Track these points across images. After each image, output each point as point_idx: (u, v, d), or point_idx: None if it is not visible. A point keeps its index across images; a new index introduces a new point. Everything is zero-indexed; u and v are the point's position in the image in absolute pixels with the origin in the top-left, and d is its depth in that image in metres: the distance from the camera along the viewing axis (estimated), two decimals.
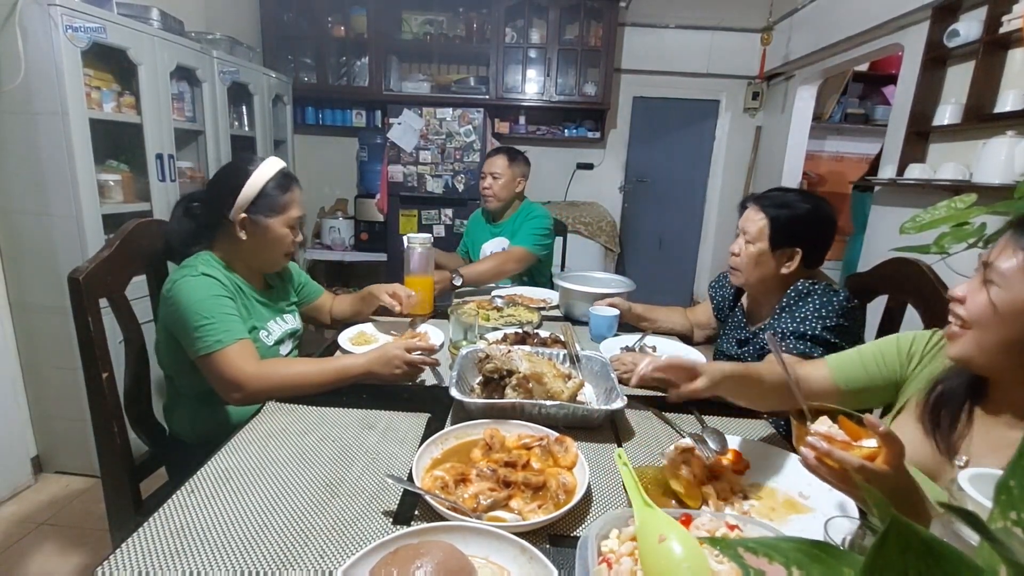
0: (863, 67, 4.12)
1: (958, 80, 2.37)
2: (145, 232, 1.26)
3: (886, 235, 2.68)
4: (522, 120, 4.15)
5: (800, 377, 0.95)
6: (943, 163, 2.33)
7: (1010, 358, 0.72)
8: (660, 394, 1.21)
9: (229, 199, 1.18)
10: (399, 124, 3.36)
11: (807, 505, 0.81)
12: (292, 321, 1.39)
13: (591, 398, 1.14)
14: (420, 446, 0.88)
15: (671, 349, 1.48)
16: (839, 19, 3.19)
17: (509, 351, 1.12)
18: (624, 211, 4.60)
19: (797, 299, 1.24)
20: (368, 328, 1.52)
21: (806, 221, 1.26)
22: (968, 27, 2.21)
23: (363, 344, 1.41)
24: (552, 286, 2.13)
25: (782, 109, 4.06)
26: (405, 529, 0.70)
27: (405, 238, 1.70)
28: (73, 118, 1.79)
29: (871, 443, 0.65)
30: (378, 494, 0.81)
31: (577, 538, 0.71)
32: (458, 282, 1.95)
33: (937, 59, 2.43)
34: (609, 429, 1.04)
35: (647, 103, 4.43)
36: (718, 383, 0.87)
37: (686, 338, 1.64)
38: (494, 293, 1.97)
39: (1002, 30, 2.05)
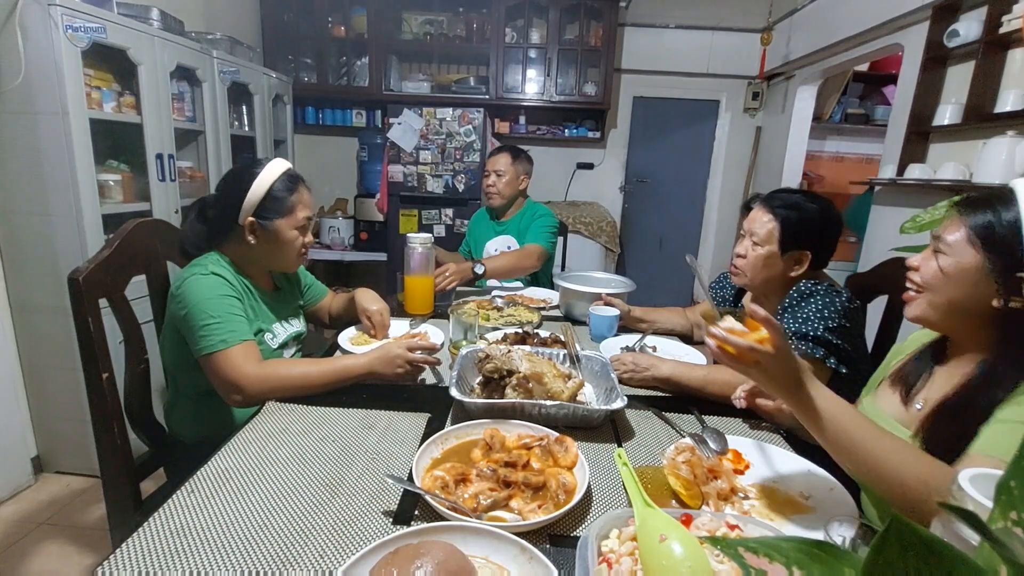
0: (863, 67, 4.12)
1: (958, 80, 2.37)
2: (145, 232, 1.26)
3: (886, 235, 2.68)
4: (522, 120, 4.15)
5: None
6: (943, 163, 2.33)
7: (958, 316, 0.83)
8: (660, 394, 1.22)
9: (236, 203, 1.19)
10: (399, 124, 3.37)
11: (808, 505, 0.81)
12: (297, 324, 1.39)
13: (591, 398, 1.14)
14: (420, 446, 0.88)
15: (671, 349, 1.48)
16: (839, 19, 3.19)
17: (509, 351, 1.12)
18: (624, 211, 4.60)
19: (799, 299, 1.24)
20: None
21: (816, 223, 1.25)
22: (968, 27, 2.21)
23: (363, 344, 1.41)
24: (553, 286, 2.13)
25: (782, 109, 4.06)
26: (405, 529, 0.70)
27: (409, 237, 1.70)
28: (73, 118, 1.80)
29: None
30: (378, 494, 0.81)
31: (577, 538, 0.71)
32: (480, 270, 1.96)
33: (937, 59, 2.43)
34: (609, 429, 1.04)
35: (647, 103, 4.43)
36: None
37: (686, 338, 1.64)
38: (494, 293, 1.97)
39: (1002, 30, 2.05)
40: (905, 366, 0.97)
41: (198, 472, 0.84)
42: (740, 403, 0.99)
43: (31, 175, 1.83)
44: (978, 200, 0.81)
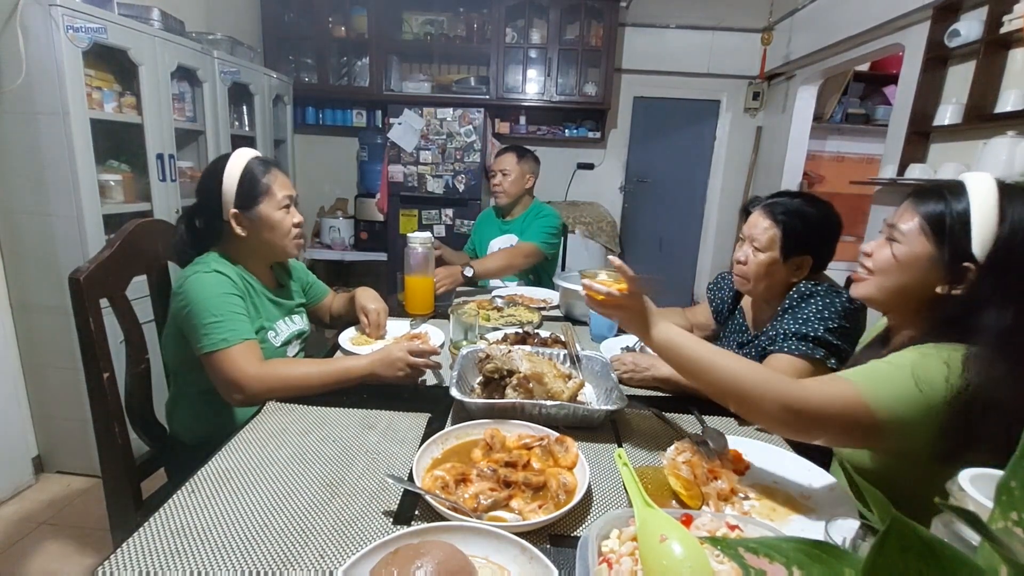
0: (864, 67, 4.12)
1: (959, 80, 2.37)
2: (146, 232, 1.26)
3: None
4: (522, 120, 4.14)
5: None
6: (944, 163, 2.33)
7: (903, 300, 0.88)
8: (660, 394, 1.22)
9: (216, 202, 1.19)
10: (399, 124, 3.37)
11: (808, 505, 0.81)
12: (300, 322, 1.39)
13: (591, 398, 1.14)
14: (420, 446, 0.88)
15: None
16: (840, 19, 3.19)
17: (509, 351, 1.12)
18: (624, 211, 4.60)
19: (800, 300, 1.24)
20: None
21: (818, 228, 1.24)
22: (969, 27, 2.21)
23: (363, 345, 1.41)
24: (553, 286, 2.14)
25: (783, 109, 4.06)
26: (405, 529, 0.70)
27: (409, 237, 1.70)
28: (74, 118, 1.80)
29: None
30: (378, 494, 0.81)
31: (577, 538, 0.71)
32: (469, 273, 1.97)
33: (938, 59, 2.43)
34: (609, 429, 1.04)
35: (647, 103, 4.42)
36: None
37: None
38: (494, 293, 1.97)
39: (1003, 30, 2.05)
40: (860, 353, 1.01)
41: (199, 472, 0.84)
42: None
43: (32, 175, 1.83)
44: (931, 191, 0.85)
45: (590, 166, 4.40)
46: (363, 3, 3.73)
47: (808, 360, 1.14)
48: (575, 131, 4.18)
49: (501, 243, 2.32)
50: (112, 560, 0.65)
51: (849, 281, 1.02)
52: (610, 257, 0.95)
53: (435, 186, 3.45)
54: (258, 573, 0.65)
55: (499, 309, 1.73)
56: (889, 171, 2.64)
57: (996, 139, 2.08)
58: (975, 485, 0.54)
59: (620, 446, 0.98)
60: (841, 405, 0.77)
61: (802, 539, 0.37)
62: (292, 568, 0.66)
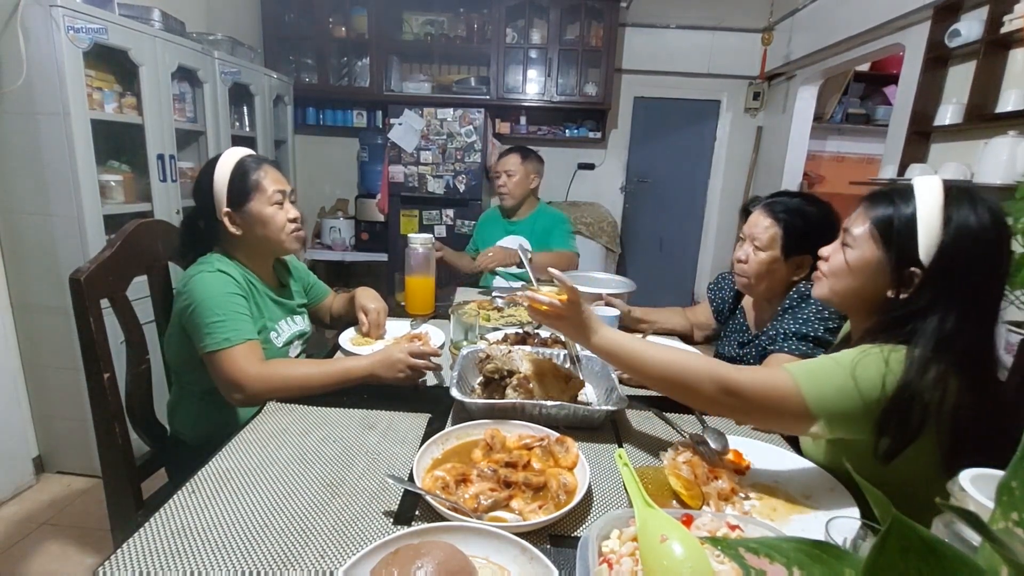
0: (864, 67, 4.12)
1: (959, 80, 2.37)
2: (146, 233, 1.26)
3: None
4: (523, 120, 4.15)
5: None
6: (944, 163, 2.33)
7: (857, 303, 0.90)
8: (661, 394, 1.21)
9: (210, 203, 1.20)
10: (400, 124, 3.37)
11: (808, 505, 0.81)
12: (302, 323, 1.40)
13: (592, 398, 1.14)
14: (421, 446, 0.88)
15: None
16: (840, 19, 3.19)
17: (510, 351, 1.12)
18: (625, 211, 4.60)
19: (800, 300, 1.24)
20: None
21: (818, 227, 1.24)
22: (969, 27, 2.21)
23: (364, 345, 1.41)
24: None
25: (783, 109, 4.06)
26: (406, 529, 0.70)
27: (410, 237, 1.72)
28: (75, 119, 1.80)
29: None
30: (379, 494, 0.81)
31: (578, 538, 0.71)
32: (528, 257, 2.01)
33: (938, 59, 2.43)
34: (610, 429, 1.04)
35: (648, 103, 4.42)
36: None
37: (686, 338, 1.64)
38: (495, 294, 1.97)
39: (1003, 30, 2.05)
40: (830, 351, 1.02)
41: (199, 472, 0.84)
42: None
43: (32, 176, 1.84)
44: (882, 195, 0.85)
45: (591, 166, 4.40)
46: (363, 3, 3.73)
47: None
48: (575, 131, 4.18)
49: (507, 244, 2.32)
50: (113, 560, 0.65)
51: None
52: (550, 269, 0.97)
53: (436, 186, 3.45)
54: (258, 573, 0.65)
55: (499, 309, 1.73)
56: (889, 171, 2.64)
57: (997, 139, 2.07)
58: (976, 485, 0.54)
59: (620, 446, 0.98)
60: (777, 394, 0.80)
61: (803, 539, 0.37)
62: (292, 568, 0.66)
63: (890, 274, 0.82)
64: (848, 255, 0.87)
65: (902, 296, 0.82)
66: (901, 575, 0.30)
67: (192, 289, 1.12)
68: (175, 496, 0.78)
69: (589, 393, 1.15)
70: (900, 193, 0.82)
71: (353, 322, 1.50)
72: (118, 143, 2.14)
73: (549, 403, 1.00)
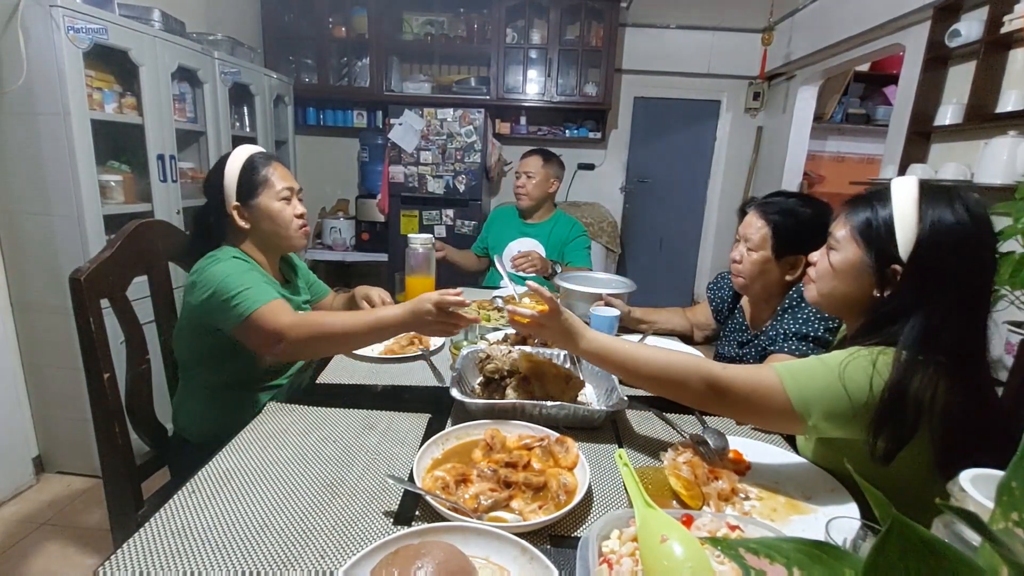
0: (864, 67, 4.12)
1: (959, 80, 2.37)
2: (146, 233, 1.26)
3: None
4: (523, 120, 4.15)
5: None
6: (944, 163, 2.33)
7: (846, 305, 0.92)
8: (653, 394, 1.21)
9: (220, 198, 1.22)
10: (400, 125, 3.37)
11: (808, 506, 0.81)
12: None
13: (592, 398, 1.14)
14: (421, 446, 0.88)
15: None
16: (840, 19, 3.19)
17: (510, 351, 1.12)
18: (625, 211, 4.60)
19: (799, 300, 1.24)
20: None
21: (810, 228, 1.24)
22: (969, 27, 2.21)
23: None
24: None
25: (783, 109, 4.06)
26: (406, 529, 0.70)
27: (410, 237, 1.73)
28: (75, 119, 1.80)
29: None
30: (379, 494, 0.81)
31: (578, 539, 0.71)
32: (559, 269, 2.09)
33: (938, 59, 2.43)
34: (610, 429, 1.04)
35: (648, 103, 4.42)
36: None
37: (686, 338, 1.64)
38: (495, 294, 1.97)
39: (1003, 30, 2.05)
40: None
41: (199, 472, 0.84)
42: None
43: (33, 176, 1.84)
44: (861, 198, 0.88)
45: (591, 166, 4.41)
46: (363, 3, 3.73)
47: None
48: (575, 131, 4.18)
49: (521, 246, 2.32)
50: (113, 560, 0.65)
51: None
52: (528, 283, 0.99)
53: (436, 186, 3.46)
54: (259, 573, 0.65)
55: (499, 309, 1.73)
56: (890, 171, 2.64)
57: (997, 139, 2.07)
58: (976, 486, 0.54)
59: (620, 446, 0.98)
60: (762, 391, 0.81)
61: (803, 539, 0.37)
62: (293, 568, 0.66)
63: (873, 274, 0.84)
64: (832, 258, 0.90)
65: (887, 294, 0.83)
66: (901, 575, 0.30)
67: (208, 277, 1.13)
68: (175, 496, 0.78)
69: (589, 393, 1.15)
70: (878, 195, 0.85)
71: None
72: (118, 143, 2.14)
73: (549, 403, 1.00)
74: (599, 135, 4.18)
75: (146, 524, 0.72)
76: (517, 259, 2.07)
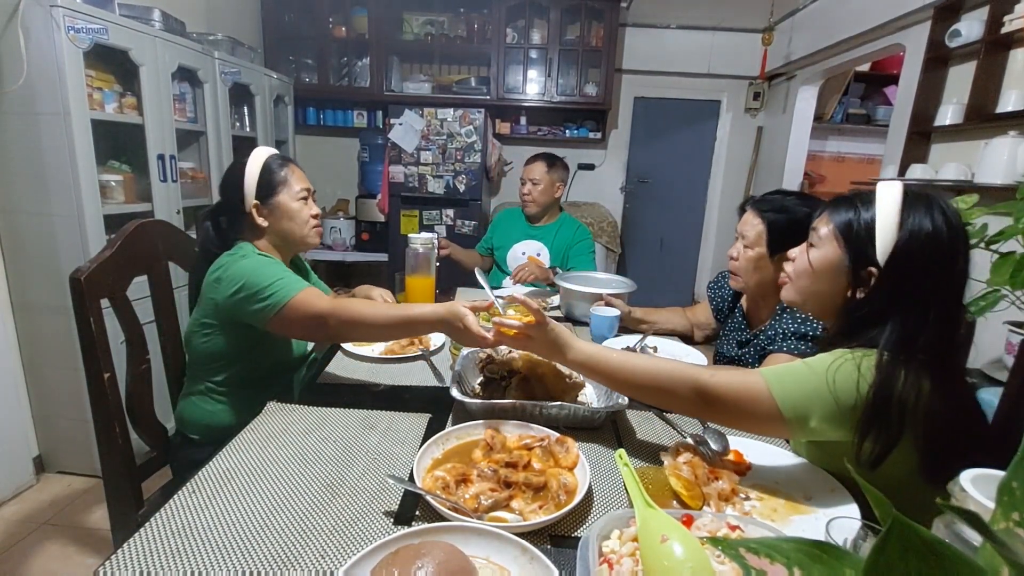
0: (864, 67, 4.12)
1: (960, 80, 2.37)
2: (147, 233, 1.26)
3: None
4: (523, 120, 4.15)
5: None
6: (945, 163, 2.33)
7: (821, 304, 0.92)
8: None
9: (239, 196, 1.25)
10: (400, 124, 3.37)
11: (809, 506, 0.81)
12: None
13: (592, 398, 1.14)
14: (421, 447, 0.88)
15: (672, 349, 1.48)
16: (840, 19, 3.19)
17: (510, 351, 1.12)
18: (625, 211, 4.60)
19: None
20: None
21: (804, 225, 1.25)
22: (970, 27, 2.21)
23: (363, 345, 1.41)
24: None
25: (783, 109, 4.06)
26: (406, 529, 0.70)
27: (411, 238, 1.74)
28: (75, 119, 1.80)
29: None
30: (379, 494, 0.81)
31: (578, 539, 0.71)
32: (560, 272, 2.12)
33: (939, 59, 2.43)
34: (610, 430, 1.04)
35: (648, 103, 4.42)
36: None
37: (687, 338, 1.64)
38: (495, 294, 1.97)
39: (1004, 30, 2.05)
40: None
41: (199, 472, 0.84)
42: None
43: (33, 175, 1.84)
44: (845, 199, 0.89)
45: (591, 166, 4.41)
46: (363, 3, 3.73)
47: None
48: (576, 131, 4.18)
49: (527, 248, 2.34)
50: (113, 560, 0.65)
51: None
52: (515, 294, 0.98)
53: (436, 186, 3.46)
54: (259, 573, 0.65)
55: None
56: (890, 171, 2.64)
57: (997, 139, 2.07)
58: (976, 486, 0.54)
59: (621, 446, 0.98)
60: (749, 397, 0.82)
61: (803, 539, 0.37)
62: (293, 568, 0.66)
63: (849, 275, 0.85)
64: (812, 255, 0.91)
65: (859, 296, 0.84)
66: (902, 575, 0.30)
67: (235, 272, 1.14)
68: (175, 496, 0.78)
69: (589, 393, 1.15)
70: (862, 197, 0.86)
71: None
72: (118, 143, 2.14)
73: (549, 403, 1.00)
74: (599, 135, 4.18)
75: (146, 524, 0.72)
76: (516, 272, 2.09)
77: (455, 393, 1.01)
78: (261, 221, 1.26)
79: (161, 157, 2.20)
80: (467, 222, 3.48)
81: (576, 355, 0.93)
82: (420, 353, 1.37)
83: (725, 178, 4.57)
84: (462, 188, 3.43)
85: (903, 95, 2.70)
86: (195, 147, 2.59)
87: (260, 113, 3.04)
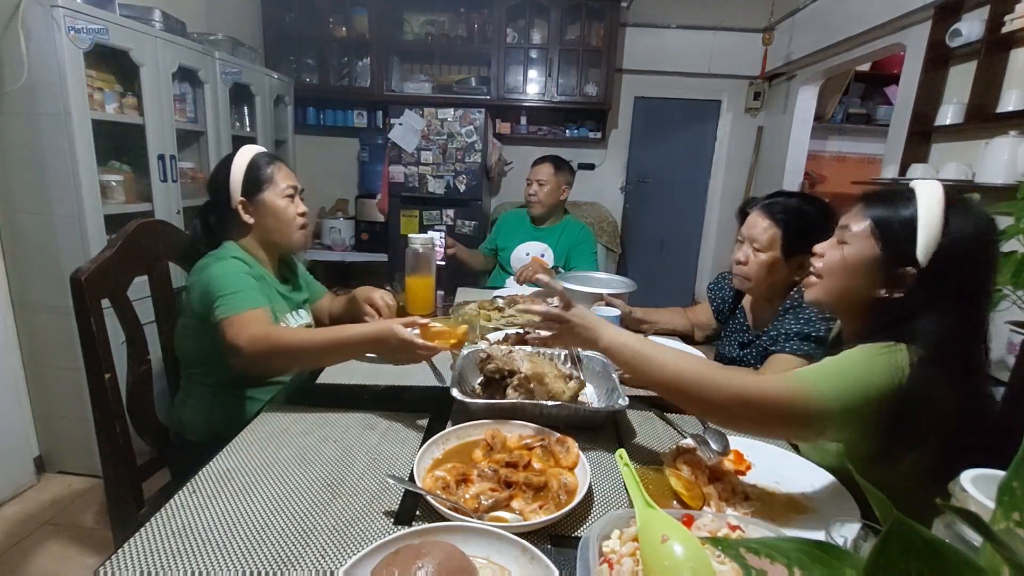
0: (865, 67, 4.11)
1: (960, 80, 2.37)
2: (147, 233, 1.26)
3: None
4: (523, 120, 4.15)
5: None
6: (945, 163, 2.32)
7: (847, 302, 0.90)
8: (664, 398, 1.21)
9: (225, 193, 1.26)
10: (400, 124, 3.37)
11: (810, 506, 0.81)
12: (306, 316, 1.43)
13: (592, 398, 1.14)
14: (421, 446, 0.88)
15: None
16: (841, 19, 3.19)
17: (510, 351, 1.12)
18: (625, 211, 4.60)
19: (801, 300, 1.23)
20: None
21: (816, 227, 1.25)
22: (970, 27, 2.21)
23: None
24: None
25: (784, 109, 4.06)
26: (406, 529, 0.70)
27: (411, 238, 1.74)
28: (76, 119, 1.80)
29: None
30: (379, 494, 0.81)
31: (578, 539, 0.71)
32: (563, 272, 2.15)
33: (939, 59, 2.43)
34: (611, 429, 1.04)
35: (648, 103, 4.42)
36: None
37: (687, 338, 1.64)
38: (495, 294, 1.97)
39: (1004, 30, 2.05)
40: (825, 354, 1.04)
41: (200, 472, 0.84)
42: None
43: (33, 176, 1.84)
44: (882, 195, 0.87)
45: (591, 166, 4.40)
46: (364, 3, 3.73)
47: (811, 360, 1.14)
48: (576, 131, 4.18)
49: (530, 249, 2.34)
50: (113, 560, 0.65)
51: None
52: (539, 276, 0.99)
53: (436, 186, 3.46)
54: (259, 573, 0.65)
55: (500, 309, 1.72)
56: (891, 171, 2.64)
57: (998, 139, 2.07)
58: (976, 486, 0.54)
59: (621, 446, 0.98)
60: (788, 399, 0.79)
61: (803, 539, 0.37)
62: (293, 568, 0.66)
63: (884, 273, 0.83)
64: (846, 251, 0.88)
65: (894, 296, 0.83)
66: (902, 575, 0.30)
67: (206, 274, 1.16)
68: (175, 496, 0.78)
69: (589, 393, 1.15)
70: (900, 194, 0.84)
71: (356, 321, 1.50)
72: (119, 143, 2.14)
73: (550, 403, 1.00)
74: (599, 135, 4.18)
75: (146, 524, 0.72)
76: (520, 273, 2.09)
77: (455, 393, 1.01)
78: (247, 218, 1.27)
79: (161, 157, 2.20)
80: (467, 222, 3.48)
81: (610, 339, 0.90)
82: None
83: (725, 178, 4.56)
84: (462, 188, 3.43)
85: (903, 95, 2.70)
86: (195, 147, 2.58)
87: (260, 113, 3.04)
